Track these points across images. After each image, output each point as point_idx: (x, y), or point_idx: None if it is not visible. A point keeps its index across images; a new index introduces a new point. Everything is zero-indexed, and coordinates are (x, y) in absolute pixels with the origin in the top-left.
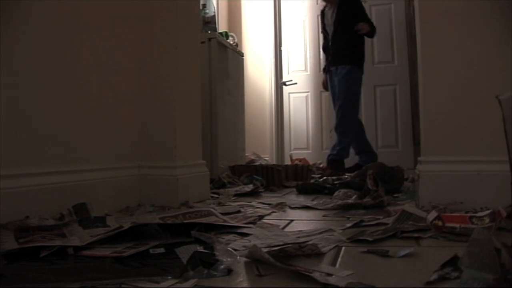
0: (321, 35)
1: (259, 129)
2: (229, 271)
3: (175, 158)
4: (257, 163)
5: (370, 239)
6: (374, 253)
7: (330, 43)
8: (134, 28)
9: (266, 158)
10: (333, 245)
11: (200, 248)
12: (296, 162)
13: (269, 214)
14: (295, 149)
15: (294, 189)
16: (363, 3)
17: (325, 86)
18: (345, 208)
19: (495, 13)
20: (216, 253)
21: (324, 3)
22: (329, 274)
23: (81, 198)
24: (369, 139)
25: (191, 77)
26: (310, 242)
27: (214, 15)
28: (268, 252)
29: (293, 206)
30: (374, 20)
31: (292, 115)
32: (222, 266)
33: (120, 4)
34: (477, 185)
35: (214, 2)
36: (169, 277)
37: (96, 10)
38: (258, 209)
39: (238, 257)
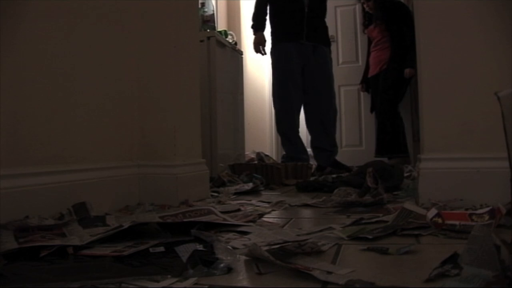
0: None
1: (258, 127)
2: (229, 270)
3: (175, 157)
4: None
5: (370, 236)
6: (374, 250)
7: (306, 10)
8: (133, 27)
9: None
10: (333, 243)
11: (199, 247)
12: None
13: (269, 213)
14: None
15: (294, 187)
16: None
17: (260, 46)
18: (345, 206)
19: (496, 12)
20: (216, 251)
21: None
22: (329, 272)
23: (81, 198)
24: (368, 136)
25: (190, 76)
26: (310, 240)
27: (213, 14)
28: (268, 251)
29: (293, 204)
30: None
31: None
32: (222, 265)
33: (119, 3)
34: (476, 182)
35: (213, 1)
36: (169, 276)
37: (94, 9)
38: (258, 207)
39: (238, 256)
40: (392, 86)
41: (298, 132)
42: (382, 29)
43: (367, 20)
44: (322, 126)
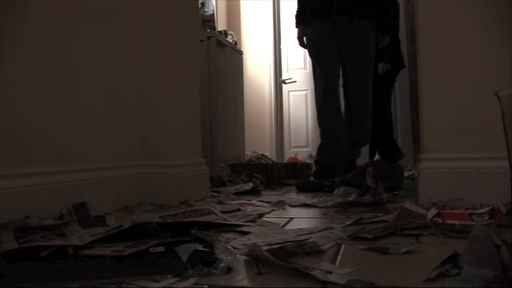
0: None
1: (258, 127)
2: (229, 270)
3: (175, 157)
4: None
5: (370, 236)
6: (374, 250)
7: None
8: (133, 27)
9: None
10: (333, 243)
11: (200, 247)
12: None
13: (269, 212)
14: (295, 147)
15: (294, 187)
16: None
17: (302, 41)
18: (345, 206)
19: (496, 12)
20: (216, 251)
21: None
22: (329, 272)
23: (81, 198)
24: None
25: (190, 76)
26: (310, 240)
27: (213, 14)
28: (268, 250)
29: (293, 204)
30: None
31: (291, 113)
32: (222, 265)
33: (119, 3)
34: (476, 182)
35: (213, 1)
36: (169, 276)
37: (94, 9)
38: (258, 207)
39: (238, 255)
40: (377, 89)
41: (339, 116)
42: None
43: None
44: (349, 121)
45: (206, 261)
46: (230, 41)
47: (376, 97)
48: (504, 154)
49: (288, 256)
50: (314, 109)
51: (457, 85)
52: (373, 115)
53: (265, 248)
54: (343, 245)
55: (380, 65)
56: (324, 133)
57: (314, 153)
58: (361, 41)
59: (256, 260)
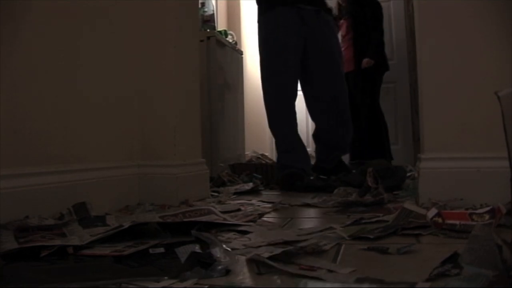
0: None
1: (259, 127)
2: (227, 272)
3: (175, 157)
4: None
5: (371, 236)
6: (374, 250)
7: None
8: (133, 27)
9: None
10: (334, 243)
11: (198, 248)
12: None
13: (269, 212)
14: None
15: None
16: None
17: None
18: (346, 206)
19: (496, 11)
20: (214, 253)
21: None
22: (330, 271)
23: (81, 198)
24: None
25: (190, 76)
26: (312, 241)
27: (213, 13)
28: (270, 258)
29: (293, 204)
30: None
31: None
32: (220, 267)
33: (119, 3)
34: (477, 182)
35: (213, 1)
36: (166, 278)
37: (94, 9)
38: (258, 207)
39: (236, 257)
40: (364, 91)
41: (296, 129)
42: (348, 24)
43: (341, 13)
44: (331, 114)
45: (204, 263)
46: (230, 41)
47: (363, 99)
48: (504, 153)
49: (290, 256)
50: None
51: (457, 85)
52: (367, 116)
53: (265, 247)
54: (343, 245)
55: (365, 60)
56: (283, 145)
57: (314, 153)
58: (330, 33)
59: (256, 261)
